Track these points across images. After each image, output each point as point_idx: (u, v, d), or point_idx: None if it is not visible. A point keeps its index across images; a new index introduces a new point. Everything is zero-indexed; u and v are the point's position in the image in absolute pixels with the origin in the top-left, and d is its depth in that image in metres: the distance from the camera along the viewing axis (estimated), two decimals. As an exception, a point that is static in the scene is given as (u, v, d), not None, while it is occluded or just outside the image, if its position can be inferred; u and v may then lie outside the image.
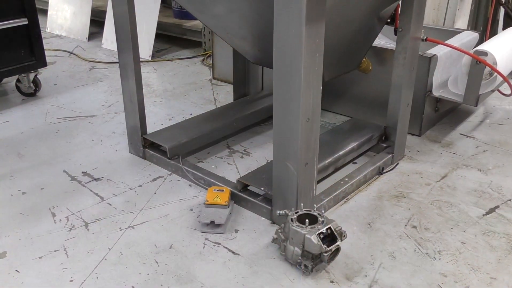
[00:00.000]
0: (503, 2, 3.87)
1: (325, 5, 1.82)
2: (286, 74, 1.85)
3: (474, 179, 2.51)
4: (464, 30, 3.36)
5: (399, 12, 2.44)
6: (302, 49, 1.78)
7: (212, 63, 3.83)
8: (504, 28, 3.98)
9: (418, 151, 2.77)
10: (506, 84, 2.81)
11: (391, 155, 2.59)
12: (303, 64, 1.79)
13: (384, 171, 2.55)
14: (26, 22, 3.26)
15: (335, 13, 2.07)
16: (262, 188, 2.17)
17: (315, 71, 1.86)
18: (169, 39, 4.71)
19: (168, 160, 2.54)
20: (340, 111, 3.21)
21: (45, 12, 5.18)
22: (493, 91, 2.93)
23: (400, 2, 2.43)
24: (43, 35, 3.50)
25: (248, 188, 2.29)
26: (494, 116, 3.22)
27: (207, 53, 4.30)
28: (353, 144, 2.55)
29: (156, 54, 4.42)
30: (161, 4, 4.27)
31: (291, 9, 1.75)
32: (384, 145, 2.66)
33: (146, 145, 2.65)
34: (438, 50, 2.87)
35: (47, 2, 5.21)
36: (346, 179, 2.37)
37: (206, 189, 2.32)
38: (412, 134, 2.93)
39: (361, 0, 2.19)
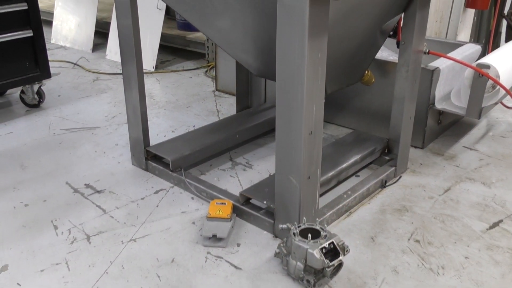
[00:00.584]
0: (505, 14, 3.88)
1: (327, 19, 1.83)
2: (288, 88, 1.86)
3: (477, 192, 2.49)
4: (466, 42, 3.36)
5: (401, 25, 2.44)
6: (305, 62, 1.79)
7: (215, 75, 3.85)
8: (507, 40, 3.99)
9: (421, 164, 2.76)
10: (509, 96, 2.80)
11: (394, 168, 2.59)
12: (305, 78, 1.80)
13: (387, 184, 2.54)
14: (31, 34, 3.28)
15: (337, 27, 2.08)
16: (265, 202, 2.17)
17: (318, 84, 1.87)
18: (173, 50, 4.74)
19: (170, 172, 2.54)
20: (342, 123, 3.21)
21: (50, 23, 5.22)
22: (496, 103, 2.92)
23: (402, 15, 2.44)
24: (47, 46, 3.52)
25: (251, 201, 2.29)
26: (497, 129, 3.21)
27: (210, 65, 4.31)
28: (356, 157, 2.54)
29: (160, 65, 4.44)
30: (165, 15, 4.29)
31: (294, 23, 1.76)
32: (387, 157, 2.66)
33: (149, 157, 2.65)
34: (441, 63, 2.87)
35: (52, 14, 5.25)
36: (349, 192, 2.36)
37: (209, 202, 2.32)
38: (415, 147, 2.92)
39: (363, 14, 2.20)
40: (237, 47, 2.49)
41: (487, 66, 2.63)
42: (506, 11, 3.92)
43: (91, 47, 4.89)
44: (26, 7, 3.20)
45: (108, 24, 4.82)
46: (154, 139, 2.81)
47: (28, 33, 3.27)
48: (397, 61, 2.48)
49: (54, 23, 5.21)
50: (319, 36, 1.81)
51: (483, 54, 3.65)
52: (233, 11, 2.17)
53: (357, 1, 2.06)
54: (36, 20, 3.30)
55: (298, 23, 1.76)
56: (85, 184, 2.57)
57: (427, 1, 2.38)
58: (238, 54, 2.58)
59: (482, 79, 2.64)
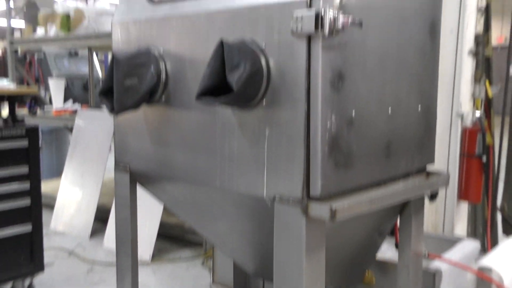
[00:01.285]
0: (499, 207, 3.95)
1: (324, 234, 1.84)
2: (287, 306, 1.79)
3: None
4: (464, 238, 3.36)
5: (398, 226, 2.46)
6: (303, 278, 1.76)
7: (212, 266, 3.76)
8: (504, 231, 4.00)
9: None
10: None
11: None
12: (304, 296, 1.75)
13: None
14: (30, 230, 3.28)
15: (334, 238, 2.09)
16: None
17: (317, 301, 1.81)
18: (170, 238, 4.72)
19: None
20: (345, 324, 3.04)
21: (51, 207, 5.27)
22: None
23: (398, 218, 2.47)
24: (46, 231, 3.48)
25: None
26: (509, 331, 3.03)
27: (208, 254, 4.25)
28: None
29: (157, 253, 4.37)
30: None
31: (291, 239, 1.78)
32: None
33: None
34: (442, 263, 2.82)
35: (55, 198, 5.33)
36: None
37: None
38: None
39: (359, 222, 2.23)
40: (233, 250, 2.48)
41: (489, 270, 2.59)
42: (499, 202, 4.00)
43: (89, 233, 4.88)
44: (30, 204, 3.27)
45: (108, 211, 4.86)
46: None
47: (27, 228, 3.28)
48: (396, 260, 2.44)
49: (55, 208, 5.27)
50: (316, 251, 1.81)
51: (483, 247, 3.64)
52: (231, 219, 2.21)
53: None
54: (36, 215, 3.33)
55: (295, 240, 1.77)
56: None
57: (421, 206, 2.43)
58: (234, 256, 2.57)
59: (485, 282, 2.58)
